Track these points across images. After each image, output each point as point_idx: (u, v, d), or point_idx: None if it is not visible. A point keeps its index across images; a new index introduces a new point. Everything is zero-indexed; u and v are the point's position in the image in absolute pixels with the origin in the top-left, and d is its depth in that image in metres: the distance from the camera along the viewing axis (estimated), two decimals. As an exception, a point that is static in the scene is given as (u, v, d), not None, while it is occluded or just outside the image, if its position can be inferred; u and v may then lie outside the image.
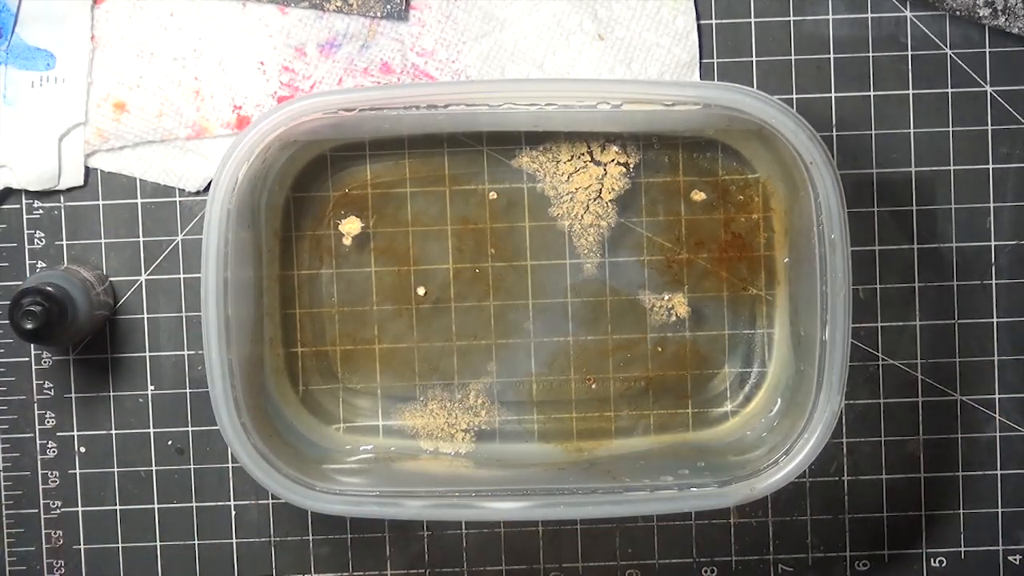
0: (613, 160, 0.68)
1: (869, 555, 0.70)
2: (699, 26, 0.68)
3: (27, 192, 0.69)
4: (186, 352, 0.69)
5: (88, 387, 0.70)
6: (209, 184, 0.65)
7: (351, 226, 0.68)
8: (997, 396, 0.69)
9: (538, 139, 0.68)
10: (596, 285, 0.69)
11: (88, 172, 0.69)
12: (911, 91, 0.68)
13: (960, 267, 0.69)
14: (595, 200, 0.68)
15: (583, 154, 0.68)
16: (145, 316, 0.69)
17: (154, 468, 0.70)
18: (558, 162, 0.68)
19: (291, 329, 0.69)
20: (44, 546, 0.70)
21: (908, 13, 0.68)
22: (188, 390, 0.69)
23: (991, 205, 0.69)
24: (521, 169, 0.68)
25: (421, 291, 0.69)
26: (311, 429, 0.68)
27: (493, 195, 0.68)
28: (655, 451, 0.68)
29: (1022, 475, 0.70)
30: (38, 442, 0.70)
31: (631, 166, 0.68)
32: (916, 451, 0.70)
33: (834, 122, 0.68)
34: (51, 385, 0.69)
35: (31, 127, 0.67)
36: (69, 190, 0.69)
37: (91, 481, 0.70)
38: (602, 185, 0.68)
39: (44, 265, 0.69)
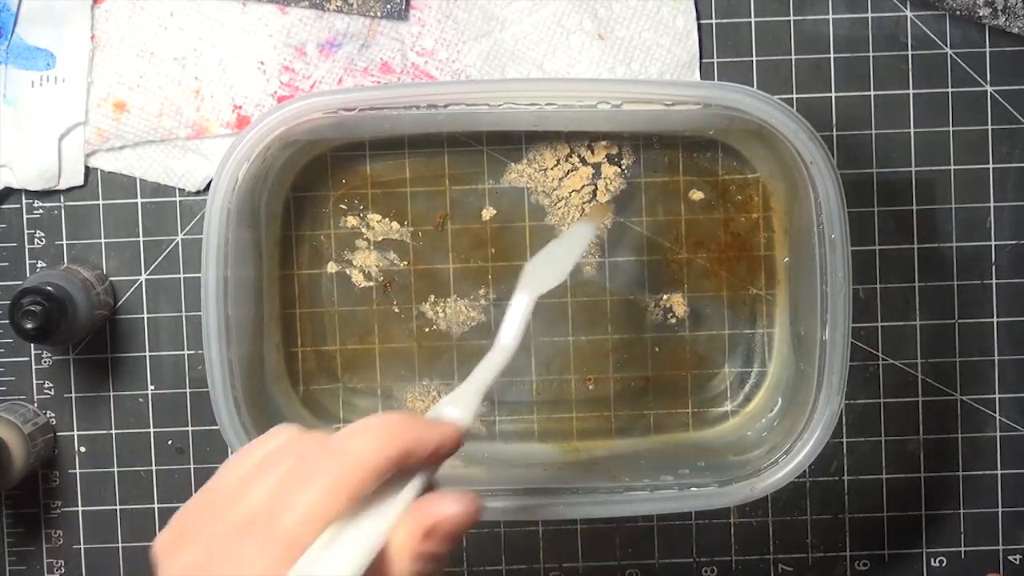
0: (604, 160, 0.67)
1: (869, 555, 0.70)
2: (699, 26, 0.68)
3: (27, 192, 0.69)
4: (186, 352, 0.69)
5: (88, 387, 0.69)
6: (209, 184, 0.65)
7: (365, 261, 0.68)
8: (997, 396, 0.69)
9: (530, 139, 0.68)
10: (595, 285, 0.69)
11: (88, 172, 0.69)
12: (911, 91, 0.68)
13: (960, 267, 0.69)
14: (590, 202, 0.68)
15: (568, 156, 0.68)
16: (145, 316, 0.69)
17: (154, 468, 0.70)
18: (545, 170, 0.68)
19: (292, 329, 0.69)
20: (44, 546, 0.70)
21: (908, 13, 0.68)
22: (188, 390, 0.69)
23: (991, 205, 0.69)
24: (513, 185, 0.68)
25: (422, 291, 0.69)
26: (311, 429, 0.68)
27: (491, 212, 0.68)
28: (655, 451, 0.68)
29: (1022, 475, 0.70)
30: (38, 442, 0.70)
31: (625, 166, 0.68)
32: (916, 451, 0.70)
33: (834, 122, 0.68)
34: (51, 385, 0.69)
35: (31, 127, 0.67)
36: (69, 190, 0.69)
37: (91, 481, 0.70)
38: (596, 187, 0.68)
39: (44, 265, 0.69)
